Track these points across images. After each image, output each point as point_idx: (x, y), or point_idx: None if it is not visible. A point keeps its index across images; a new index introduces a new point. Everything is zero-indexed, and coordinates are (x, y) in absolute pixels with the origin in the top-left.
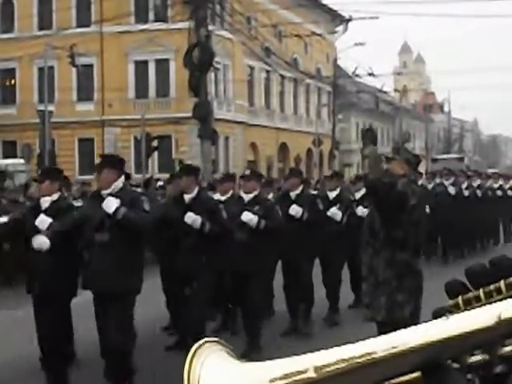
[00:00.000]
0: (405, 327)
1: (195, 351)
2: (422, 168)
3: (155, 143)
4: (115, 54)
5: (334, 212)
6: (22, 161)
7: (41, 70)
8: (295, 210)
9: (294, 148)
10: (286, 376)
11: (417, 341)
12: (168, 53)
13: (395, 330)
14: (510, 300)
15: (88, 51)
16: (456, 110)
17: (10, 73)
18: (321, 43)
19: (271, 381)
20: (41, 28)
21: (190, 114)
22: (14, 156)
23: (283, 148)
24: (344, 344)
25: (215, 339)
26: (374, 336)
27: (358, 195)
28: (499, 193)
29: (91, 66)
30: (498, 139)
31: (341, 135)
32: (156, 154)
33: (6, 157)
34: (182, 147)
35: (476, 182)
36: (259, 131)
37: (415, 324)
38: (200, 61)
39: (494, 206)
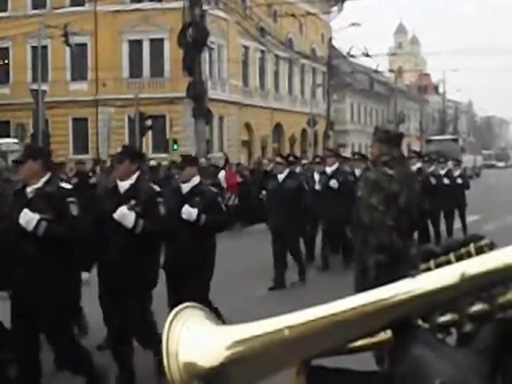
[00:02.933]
0: None
1: (176, 314)
2: (416, 149)
3: (149, 122)
4: (109, 33)
5: (188, 211)
6: (15, 140)
7: (34, 49)
8: (187, 213)
9: (288, 128)
10: (260, 336)
11: (386, 300)
12: (162, 32)
13: None
14: (473, 258)
15: (82, 30)
16: (451, 92)
17: (4, 52)
18: (316, 23)
19: (247, 340)
20: (35, 7)
21: (184, 94)
22: (8, 136)
23: (278, 128)
24: None
25: (195, 304)
26: None
27: (185, 188)
28: (446, 181)
29: (85, 45)
30: (492, 121)
31: (335, 115)
32: (150, 133)
33: None
34: (176, 127)
35: (416, 166)
36: (254, 111)
37: None
38: (194, 40)
39: (438, 195)
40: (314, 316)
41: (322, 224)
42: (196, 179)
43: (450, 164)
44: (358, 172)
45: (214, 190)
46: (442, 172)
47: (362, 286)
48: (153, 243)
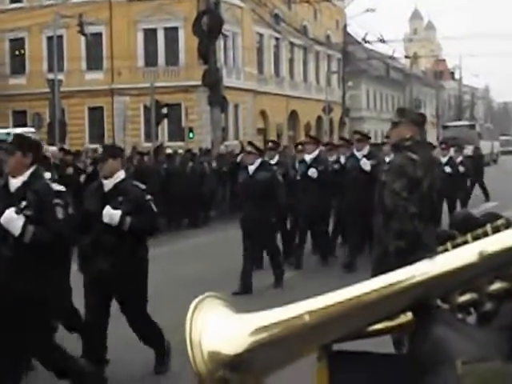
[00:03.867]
0: None
1: (196, 305)
2: (432, 135)
3: (165, 110)
4: (124, 22)
5: (110, 214)
6: (32, 129)
7: (50, 39)
8: (108, 215)
9: (304, 115)
10: (282, 322)
11: (405, 281)
12: (177, 21)
13: None
14: (491, 237)
15: (97, 20)
16: (467, 77)
17: (20, 42)
18: (330, 10)
19: (269, 326)
20: None
21: (199, 82)
22: (24, 125)
23: (293, 116)
24: None
25: (216, 294)
26: None
27: (108, 185)
28: (448, 169)
29: (100, 34)
30: (509, 106)
31: (351, 102)
32: (166, 122)
33: (16, 126)
34: (192, 115)
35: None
36: (269, 99)
37: None
38: (209, 28)
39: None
40: (333, 301)
41: (299, 218)
42: (120, 174)
43: (452, 151)
44: (343, 159)
45: (142, 186)
46: (444, 159)
47: (380, 272)
48: (53, 255)
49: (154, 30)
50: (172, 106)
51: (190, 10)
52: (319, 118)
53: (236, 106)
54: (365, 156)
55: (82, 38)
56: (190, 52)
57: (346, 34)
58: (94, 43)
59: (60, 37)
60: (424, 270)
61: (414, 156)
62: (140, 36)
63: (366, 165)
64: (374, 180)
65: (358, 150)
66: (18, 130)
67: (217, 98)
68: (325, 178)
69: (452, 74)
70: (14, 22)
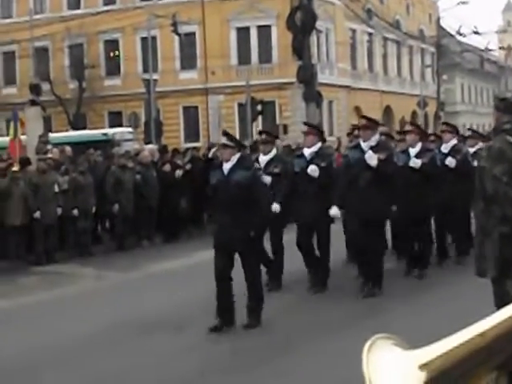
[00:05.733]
0: None
1: (369, 347)
2: None
3: (259, 108)
4: (217, 21)
5: None
6: (129, 129)
7: (144, 39)
8: None
9: (398, 111)
10: (453, 349)
11: None
12: (269, 18)
13: None
14: None
15: (190, 19)
16: None
17: (114, 44)
18: (423, 3)
19: (442, 356)
20: None
21: (293, 79)
22: (120, 125)
23: (388, 111)
24: None
25: (385, 335)
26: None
27: None
28: None
29: (193, 33)
30: None
31: (446, 96)
32: (260, 119)
33: (111, 126)
34: (286, 112)
35: (450, 143)
36: (363, 95)
37: None
38: (303, 23)
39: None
40: (500, 318)
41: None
42: None
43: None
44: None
45: None
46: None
47: (484, 259)
48: None
49: (247, 28)
50: (266, 103)
51: (282, 7)
52: (414, 113)
53: (330, 103)
54: (372, 148)
55: (176, 38)
56: (283, 49)
57: (440, 28)
58: (188, 43)
59: (154, 37)
60: None
61: None
62: (233, 34)
63: (372, 159)
64: (379, 178)
65: (364, 141)
66: (115, 130)
67: (312, 94)
68: (328, 175)
69: None
70: (107, 23)
